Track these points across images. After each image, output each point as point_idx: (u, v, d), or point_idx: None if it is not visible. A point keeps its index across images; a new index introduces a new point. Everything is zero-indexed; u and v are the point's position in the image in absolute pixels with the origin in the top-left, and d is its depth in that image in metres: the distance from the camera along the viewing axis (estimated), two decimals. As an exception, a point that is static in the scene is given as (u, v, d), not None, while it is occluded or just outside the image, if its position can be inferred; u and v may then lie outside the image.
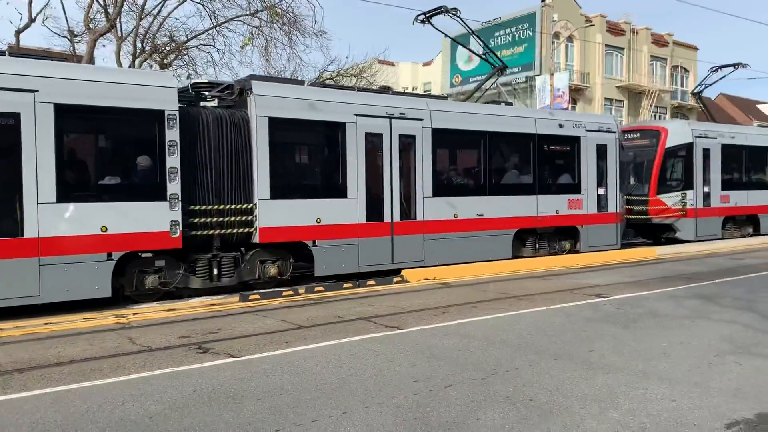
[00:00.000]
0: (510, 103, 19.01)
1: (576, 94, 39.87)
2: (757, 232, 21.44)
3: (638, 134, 20.03)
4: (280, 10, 21.39)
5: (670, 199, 18.94)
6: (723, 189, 20.05)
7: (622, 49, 42.83)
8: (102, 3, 20.45)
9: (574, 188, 15.93)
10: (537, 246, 15.47)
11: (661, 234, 19.78)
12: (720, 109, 55.17)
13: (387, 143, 12.86)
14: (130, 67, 20.61)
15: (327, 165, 12.73)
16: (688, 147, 19.25)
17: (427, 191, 13.38)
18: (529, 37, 38.58)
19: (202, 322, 8.80)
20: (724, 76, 23.76)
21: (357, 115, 12.40)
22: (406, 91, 19.91)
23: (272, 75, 23.86)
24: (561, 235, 16.02)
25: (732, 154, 20.62)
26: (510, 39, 39.81)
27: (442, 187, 13.74)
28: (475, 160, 14.72)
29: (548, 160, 15.66)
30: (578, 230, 16.00)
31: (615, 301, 9.97)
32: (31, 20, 19.25)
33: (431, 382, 5.75)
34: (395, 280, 12.51)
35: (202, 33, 22.67)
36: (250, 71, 28.67)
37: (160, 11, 22.02)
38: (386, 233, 12.79)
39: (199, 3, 22.09)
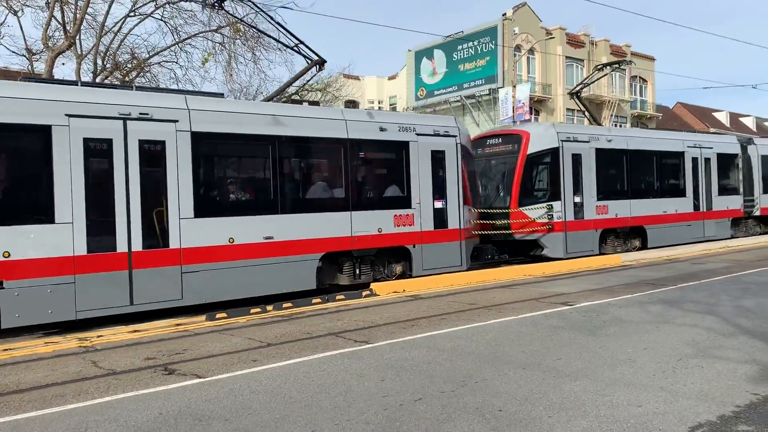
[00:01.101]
0: (316, 103, 16.22)
1: (538, 105, 40.54)
2: (644, 246, 19.41)
3: (500, 139, 17.98)
4: (241, 27, 21.30)
5: (535, 212, 16.82)
6: (600, 198, 17.94)
7: (582, 60, 43.72)
8: (60, 21, 20.13)
9: (403, 202, 13.51)
10: (357, 272, 13.04)
11: (530, 251, 17.50)
12: (677, 117, 56.70)
13: (120, 151, 10.13)
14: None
15: (22, 181, 9.62)
16: (554, 152, 17.07)
17: (187, 211, 10.71)
18: (491, 50, 39.15)
19: (168, 342, 8.65)
20: (607, 74, 22.23)
21: (70, 115, 9.70)
22: (164, 89, 16.39)
23: (236, 91, 23.77)
24: (390, 257, 13.63)
25: (611, 159, 18.60)
26: (473, 52, 40.34)
27: (210, 206, 11.15)
28: (260, 171, 12.25)
29: (366, 170, 13.37)
30: (410, 251, 13.64)
31: (581, 309, 10.10)
32: (-13, 39, 18.81)
33: (401, 396, 5.73)
34: (364, 293, 12.49)
35: (165, 50, 22.48)
36: (214, 87, 28.40)
37: (120, 28, 21.79)
38: (121, 267, 10.04)
39: (161, 19, 21.93)
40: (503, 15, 39.65)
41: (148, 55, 22.47)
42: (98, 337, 9.20)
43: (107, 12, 20.46)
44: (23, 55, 21.07)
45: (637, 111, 47.02)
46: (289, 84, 14.63)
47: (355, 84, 41.30)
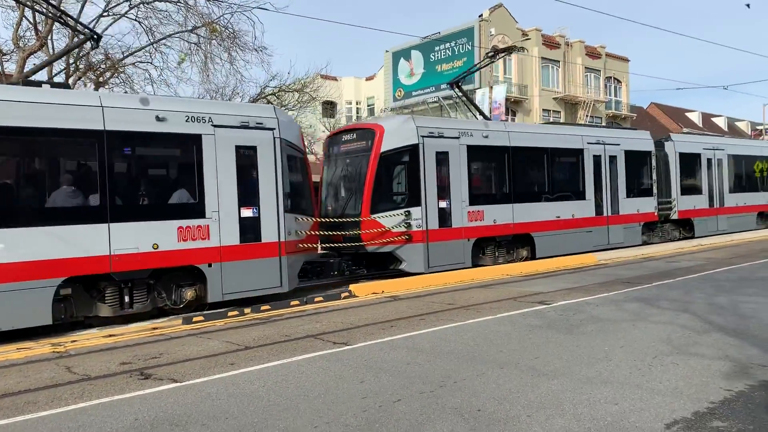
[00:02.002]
0: (67, 86, 12.40)
1: (515, 105, 40.82)
2: (532, 256, 17.12)
3: (353, 135, 15.47)
4: (218, 26, 21.12)
5: (390, 220, 14.26)
6: (473, 203, 15.57)
7: (558, 61, 44.11)
8: (32, 20, 19.78)
9: (192, 210, 10.94)
10: (127, 299, 10.41)
11: (391, 264, 14.92)
12: (652, 117, 57.51)
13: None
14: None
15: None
16: (413, 150, 14.61)
17: None
18: (468, 51, 39.32)
19: (144, 347, 8.54)
20: (494, 61, 18.74)
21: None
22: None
23: (211, 91, 23.57)
24: (180, 280, 11.01)
25: (488, 158, 16.46)
26: (450, 53, 40.48)
27: None
28: None
29: (135, 171, 10.73)
30: (203, 271, 11.04)
31: (558, 308, 10.18)
32: (-45, 39, 18.41)
33: (380, 398, 5.72)
34: (343, 295, 12.45)
35: (139, 50, 22.18)
36: (189, 88, 28.21)
37: (94, 28, 21.45)
38: None
39: (135, 20, 21.63)
40: (480, 16, 39.86)
41: (122, 56, 22.18)
42: (72, 342, 9.05)
43: (80, 11, 20.15)
44: (-6, 55, 20.65)
45: (612, 111, 47.59)
46: (58, 58, 14.11)
47: (332, 84, 41.17)
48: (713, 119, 65.57)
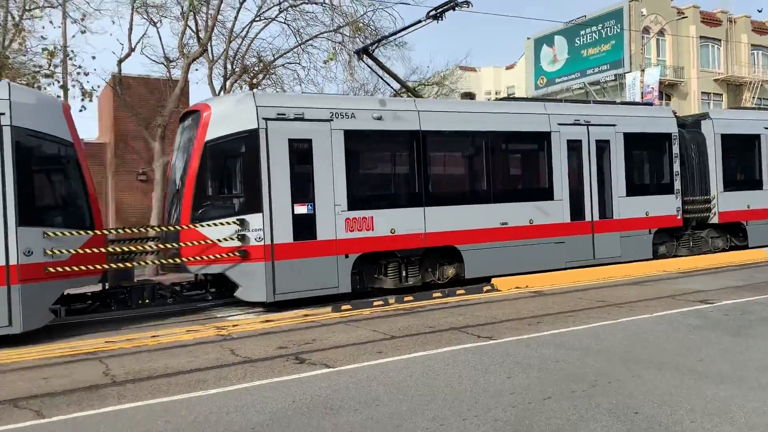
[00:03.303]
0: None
1: (669, 89, 38.08)
2: (460, 275, 12.97)
3: (188, 120, 12.22)
4: (362, 25, 21.70)
5: (217, 230, 10.83)
6: (355, 207, 11.75)
7: (719, 40, 40.53)
8: (194, 29, 21.50)
9: None
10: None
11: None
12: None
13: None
14: (221, 88, 21.57)
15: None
16: (250, 137, 11.06)
17: None
18: (617, 33, 37.26)
19: (298, 332, 9.02)
20: (436, 20, 13.28)
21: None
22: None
23: (355, 88, 24.29)
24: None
25: (383, 146, 12.73)
26: (597, 37, 38.59)
27: None
28: None
29: None
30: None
31: (722, 308, 9.40)
32: (131, 49, 20.45)
33: (529, 394, 5.61)
34: (485, 288, 12.35)
35: (288, 51, 23.35)
36: (334, 86, 29.23)
37: (247, 33, 22.89)
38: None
39: (284, 23, 22.80)
40: (629, -4, 37.58)
41: (273, 58, 23.49)
42: (234, 326, 9.76)
43: (235, 18, 21.57)
44: (162, 63, 22.71)
45: (784, 91, 42.97)
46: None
47: (472, 75, 40.85)
48: None
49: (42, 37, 20.63)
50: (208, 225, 10.78)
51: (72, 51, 20.21)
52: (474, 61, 63.90)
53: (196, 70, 20.59)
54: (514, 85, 47.89)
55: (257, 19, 22.57)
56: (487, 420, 5.02)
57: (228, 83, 21.98)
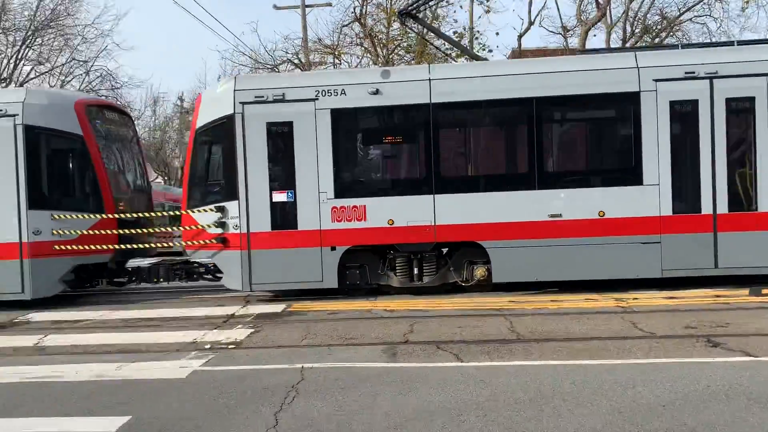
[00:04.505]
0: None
1: None
2: (488, 280, 10.34)
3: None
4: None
5: (205, 216, 10.73)
6: (344, 195, 10.41)
7: None
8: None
9: None
10: None
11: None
12: None
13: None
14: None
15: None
16: (226, 123, 10.55)
17: None
18: None
19: (707, 313, 8.24)
20: None
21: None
22: None
23: None
24: None
25: (382, 125, 10.93)
26: None
27: None
28: None
29: None
30: None
31: None
32: (531, 23, 21.17)
33: None
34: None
35: (696, 4, 21.15)
36: (752, 36, 25.65)
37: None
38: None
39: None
40: None
41: (678, 13, 21.55)
42: (634, 299, 9.42)
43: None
44: (559, 33, 22.93)
45: None
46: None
47: None
48: None
49: (454, 20, 22.89)
50: (199, 211, 10.95)
51: (478, 31, 21.95)
52: None
53: (594, 36, 20.15)
54: None
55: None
56: None
57: (628, 44, 21.04)
